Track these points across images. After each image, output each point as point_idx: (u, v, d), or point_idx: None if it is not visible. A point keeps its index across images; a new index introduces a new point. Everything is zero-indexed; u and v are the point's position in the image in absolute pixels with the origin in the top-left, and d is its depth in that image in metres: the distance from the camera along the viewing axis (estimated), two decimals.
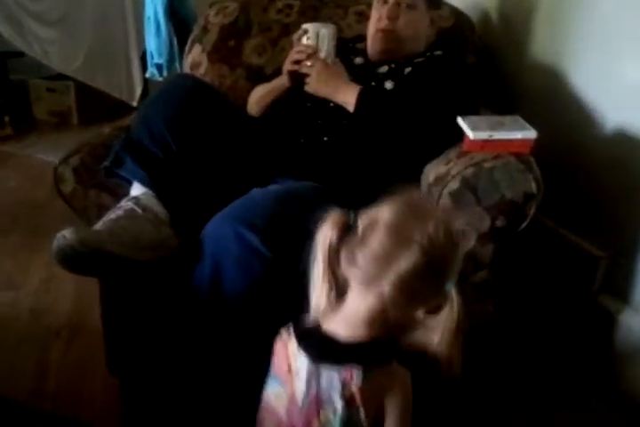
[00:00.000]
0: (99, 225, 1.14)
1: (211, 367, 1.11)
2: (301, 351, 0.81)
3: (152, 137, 1.27)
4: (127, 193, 1.26)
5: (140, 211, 1.17)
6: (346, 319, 0.80)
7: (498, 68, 1.63)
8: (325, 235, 0.78)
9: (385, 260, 0.75)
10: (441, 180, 1.20)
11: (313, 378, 0.80)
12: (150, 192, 1.23)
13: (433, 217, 0.78)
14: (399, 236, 0.75)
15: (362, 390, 0.77)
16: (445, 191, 1.18)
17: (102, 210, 1.27)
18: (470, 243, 1.12)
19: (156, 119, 1.29)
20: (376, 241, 0.76)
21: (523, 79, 1.64)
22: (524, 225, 1.16)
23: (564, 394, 1.41)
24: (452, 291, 0.77)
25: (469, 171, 1.15)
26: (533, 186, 1.14)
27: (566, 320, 1.49)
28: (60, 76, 3.50)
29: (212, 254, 1.09)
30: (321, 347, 0.81)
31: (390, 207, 0.78)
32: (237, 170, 1.35)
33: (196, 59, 1.76)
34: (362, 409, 0.78)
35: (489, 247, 1.16)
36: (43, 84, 3.64)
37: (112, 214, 1.16)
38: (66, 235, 1.04)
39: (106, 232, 1.10)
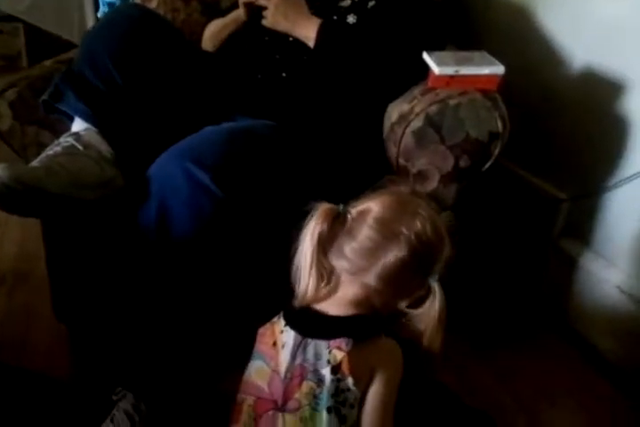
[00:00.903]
0: (35, 162, 1.05)
1: (160, 311, 1.06)
2: (289, 327, 0.82)
3: (95, 69, 1.17)
4: (69, 130, 1.17)
5: (80, 148, 1.09)
6: (333, 302, 0.82)
7: (465, 4, 1.56)
8: (315, 226, 0.80)
9: (372, 253, 0.78)
10: (404, 118, 1.14)
11: (299, 349, 0.79)
12: (93, 128, 1.14)
13: (421, 213, 0.80)
14: (387, 230, 0.78)
15: (350, 356, 0.76)
16: (408, 130, 1.13)
17: (42, 149, 1.17)
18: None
19: (99, 50, 1.18)
20: (364, 235, 0.78)
21: (490, 16, 1.57)
22: (487, 165, 1.11)
23: (523, 334, 1.44)
24: (436, 285, 0.79)
25: (433, 108, 1.10)
26: (499, 124, 1.09)
27: (527, 263, 1.49)
28: (8, 18, 3.29)
29: (159, 194, 1.02)
30: (309, 322, 0.82)
31: (379, 201, 0.81)
32: (189, 106, 1.27)
33: None
34: (350, 379, 0.76)
35: (452, 188, 1.11)
36: None
37: (50, 151, 1.07)
38: None
39: (42, 169, 1.01)
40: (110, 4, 2.41)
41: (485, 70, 1.13)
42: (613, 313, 1.31)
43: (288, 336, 0.81)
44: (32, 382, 1.12)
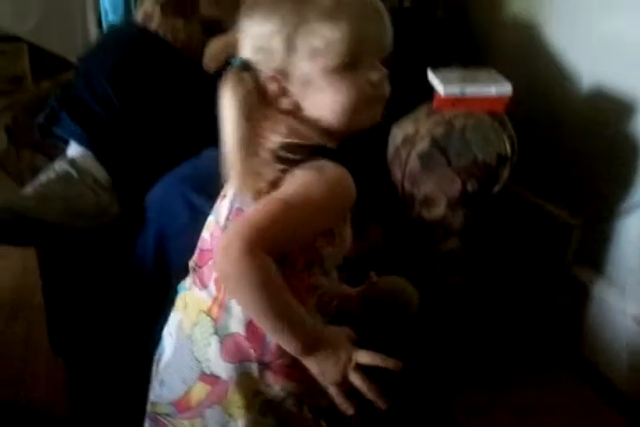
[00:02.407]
0: (29, 188, 1.02)
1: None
2: None
3: (92, 91, 1.15)
4: (64, 153, 1.14)
5: (75, 174, 1.06)
6: None
7: (469, 22, 1.54)
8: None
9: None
10: (409, 140, 1.11)
11: (238, 195, 0.71)
12: (89, 153, 1.11)
13: None
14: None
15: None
16: (414, 153, 1.09)
17: (37, 173, 1.15)
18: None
19: (96, 71, 1.16)
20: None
21: (494, 34, 1.55)
22: (496, 189, 1.07)
23: (537, 368, 1.38)
24: None
25: (439, 130, 1.06)
26: (508, 147, 1.06)
27: (538, 291, 1.44)
28: (12, 38, 3.30)
29: (158, 220, 0.99)
30: None
31: None
32: (188, 128, 1.23)
33: (147, 10, 1.61)
34: None
35: (459, 213, 1.07)
36: None
37: (44, 177, 1.05)
38: None
39: (36, 197, 0.99)
40: (112, 25, 2.41)
41: (492, 90, 1.10)
42: (629, 345, 1.26)
43: (230, 187, 0.73)
44: (29, 418, 1.08)
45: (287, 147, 0.65)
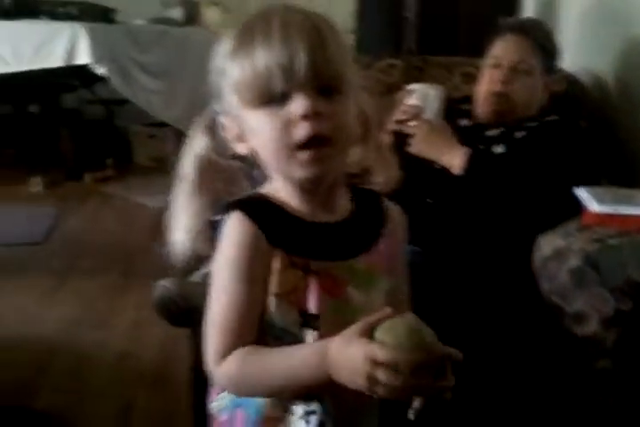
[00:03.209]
0: (198, 276, 1.12)
1: None
2: None
3: None
4: None
5: None
6: None
7: (614, 133, 1.55)
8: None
9: None
10: (559, 254, 1.12)
11: None
12: None
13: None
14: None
15: None
16: (565, 267, 1.09)
17: (203, 260, 1.25)
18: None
19: None
20: None
21: None
22: None
23: None
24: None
25: (593, 247, 1.07)
26: None
27: None
28: (162, 124, 3.67)
29: None
30: None
31: None
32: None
33: None
34: None
35: (612, 332, 1.05)
36: (144, 131, 3.83)
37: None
38: (167, 285, 1.03)
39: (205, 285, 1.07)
40: None
41: None
42: None
43: None
44: None
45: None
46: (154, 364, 1.62)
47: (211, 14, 3.82)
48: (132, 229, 2.66)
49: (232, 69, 0.66)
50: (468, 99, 1.56)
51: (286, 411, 0.68)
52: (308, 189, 0.68)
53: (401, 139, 1.44)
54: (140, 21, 3.69)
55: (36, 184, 3.23)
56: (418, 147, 1.40)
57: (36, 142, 3.56)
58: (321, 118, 0.63)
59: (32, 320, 1.85)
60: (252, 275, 0.66)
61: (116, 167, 3.56)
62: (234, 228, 0.67)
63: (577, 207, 1.17)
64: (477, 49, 1.67)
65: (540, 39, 1.40)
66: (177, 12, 3.86)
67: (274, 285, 0.66)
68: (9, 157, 3.63)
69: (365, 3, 2.39)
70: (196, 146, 0.72)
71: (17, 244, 2.46)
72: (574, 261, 1.07)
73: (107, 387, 1.54)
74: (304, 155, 0.64)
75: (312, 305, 0.66)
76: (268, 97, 0.64)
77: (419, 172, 1.41)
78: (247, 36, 0.65)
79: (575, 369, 1.07)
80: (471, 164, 1.31)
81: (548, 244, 1.18)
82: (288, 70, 0.62)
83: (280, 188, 0.70)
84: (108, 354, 1.64)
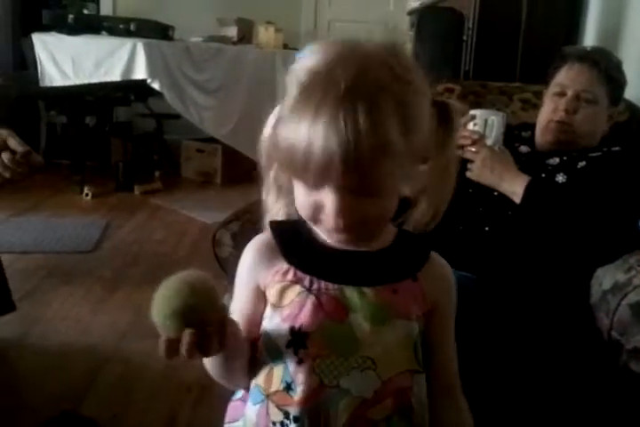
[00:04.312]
0: None
1: None
2: None
3: None
4: None
5: None
6: None
7: None
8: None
9: None
10: (620, 289, 1.10)
11: None
12: None
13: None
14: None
15: None
16: (625, 302, 1.07)
17: None
18: None
19: None
20: None
21: None
22: None
23: None
24: None
25: None
26: None
27: None
28: (210, 139, 3.74)
29: None
30: None
31: None
32: None
33: None
34: None
35: None
36: (194, 146, 3.91)
37: None
38: None
39: None
40: None
41: None
42: None
43: None
44: None
45: None
46: (201, 375, 1.63)
47: (264, 33, 3.90)
48: (178, 241, 2.70)
49: (280, 130, 0.64)
50: (527, 125, 1.56)
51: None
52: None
53: (460, 164, 1.43)
54: (196, 39, 3.79)
55: (87, 194, 3.32)
56: (477, 173, 1.38)
57: (90, 153, 3.67)
58: (353, 212, 0.62)
59: (82, 328, 1.89)
60: (254, 280, 0.71)
61: (164, 180, 3.63)
62: (256, 238, 0.73)
63: (638, 240, 1.15)
64: (535, 76, 1.66)
65: (608, 69, 1.39)
66: (232, 31, 3.95)
67: (272, 295, 0.69)
68: (63, 167, 3.75)
69: (424, 26, 2.42)
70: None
71: (67, 252, 2.52)
72: (635, 297, 1.05)
73: (153, 397, 1.56)
74: (335, 233, 0.65)
75: (305, 323, 0.66)
76: (303, 181, 0.63)
77: (477, 198, 1.40)
78: (300, 104, 0.62)
79: (631, 408, 1.03)
80: (532, 192, 1.30)
81: (607, 277, 1.16)
82: (322, 167, 0.59)
83: None
84: (156, 364, 1.66)
